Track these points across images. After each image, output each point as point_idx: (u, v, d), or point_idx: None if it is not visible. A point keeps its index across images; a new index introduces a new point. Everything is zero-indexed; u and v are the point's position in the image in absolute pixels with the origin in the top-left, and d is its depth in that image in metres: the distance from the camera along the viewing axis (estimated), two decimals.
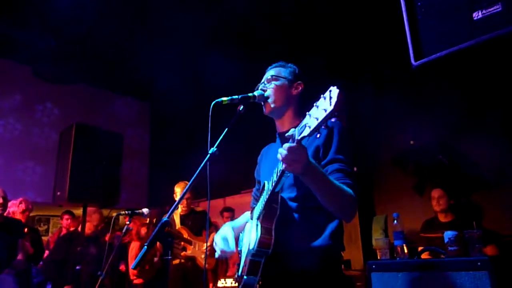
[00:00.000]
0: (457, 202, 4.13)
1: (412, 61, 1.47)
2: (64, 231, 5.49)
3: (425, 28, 1.47)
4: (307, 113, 1.32)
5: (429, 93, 4.75)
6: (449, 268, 2.13)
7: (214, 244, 1.86)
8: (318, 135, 1.32)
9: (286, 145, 1.37)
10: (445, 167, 4.48)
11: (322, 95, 1.26)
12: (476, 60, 3.76)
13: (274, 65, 1.97)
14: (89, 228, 4.62)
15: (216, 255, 1.84)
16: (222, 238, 1.84)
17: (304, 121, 1.33)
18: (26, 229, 4.47)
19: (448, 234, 2.43)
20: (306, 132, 1.30)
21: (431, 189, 4.13)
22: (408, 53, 1.55)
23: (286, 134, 1.45)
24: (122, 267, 5.28)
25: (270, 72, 1.93)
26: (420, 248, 3.31)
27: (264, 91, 1.86)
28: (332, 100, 1.20)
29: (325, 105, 1.23)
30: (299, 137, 1.34)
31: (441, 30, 1.42)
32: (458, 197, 4.21)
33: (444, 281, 2.13)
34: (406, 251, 2.52)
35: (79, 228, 4.55)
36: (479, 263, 2.02)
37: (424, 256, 2.89)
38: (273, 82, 1.86)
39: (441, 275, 2.15)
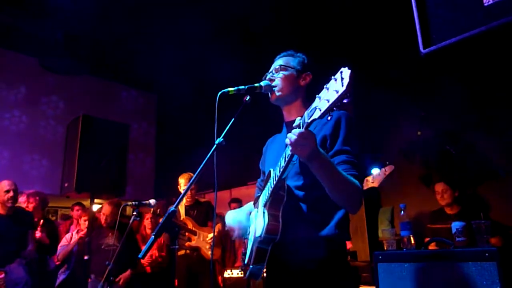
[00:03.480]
0: (463, 194, 4.10)
1: (421, 48, 1.44)
2: (74, 222, 5.55)
3: (434, 15, 1.45)
4: (317, 96, 1.29)
5: (437, 83, 4.70)
6: (456, 259, 2.12)
7: (227, 225, 1.88)
8: (329, 117, 1.28)
9: (296, 130, 1.36)
10: (452, 159, 4.45)
11: (332, 77, 1.22)
12: (485, 47, 3.70)
13: (283, 54, 1.94)
14: (102, 219, 4.67)
15: (234, 233, 1.85)
16: (233, 218, 1.87)
17: (314, 104, 1.30)
18: (42, 221, 4.54)
19: (455, 225, 2.42)
20: (317, 114, 1.27)
21: (437, 182, 4.11)
22: (415, 42, 1.53)
23: (294, 124, 1.44)
24: None
25: (278, 62, 1.90)
26: (427, 239, 3.30)
27: (272, 80, 1.85)
28: (344, 81, 1.16)
29: (336, 86, 1.19)
30: (309, 120, 1.32)
31: (451, 16, 1.40)
32: (464, 189, 4.18)
33: (451, 272, 2.12)
34: (413, 242, 2.52)
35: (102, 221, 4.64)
36: (487, 254, 2.01)
37: (431, 247, 2.89)
38: (281, 72, 1.85)
39: (448, 265, 2.14)
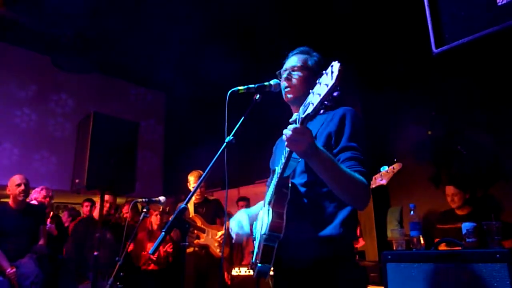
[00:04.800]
0: (474, 195, 4.06)
1: (433, 48, 1.43)
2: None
3: (447, 14, 1.43)
4: (310, 91, 1.33)
5: (448, 82, 4.66)
6: (466, 260, 2.09)
7: (229, 229, 1.88)
8: (321, 111, 1.30)
9: (291, 126, 1.38)
10: (462, 159, 4.40)
11: (324, 71, 1.26)
12: (497, 47, 3.66)
13: (298, 50, 1.88)
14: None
15: (233, 237, 1.86)
16: (236, 222, 1.86)
17: (308, 99, 1.33)
18: (51, 214, 4.60)
19: (466, 226, 2.40)
20: (310, 109, 1.30)
21: (446, 183, 4.07)
22: (425, 42, 1.52)
23: (290, 120, 1.45)
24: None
25: (294, 59, 1.84)
26: (437, 239, 3.28)
27: (289, 80, 1.80)
28: (333, 75, 1.20)
29: (326, 80, 1.23)
30: (304, 115, 1.34)
31: (463, 16, 1.38)
32: (475, 190, 4.13)
33: (461, 273, 2.10)
34: (422, 242, 2.50)
35: (94, 213, 4.67)
36: (498, 255, 1.98)
37: (441, 247, 2.87)
38: (299, 72, 1.80)
39: (458, 267, 2.12)
